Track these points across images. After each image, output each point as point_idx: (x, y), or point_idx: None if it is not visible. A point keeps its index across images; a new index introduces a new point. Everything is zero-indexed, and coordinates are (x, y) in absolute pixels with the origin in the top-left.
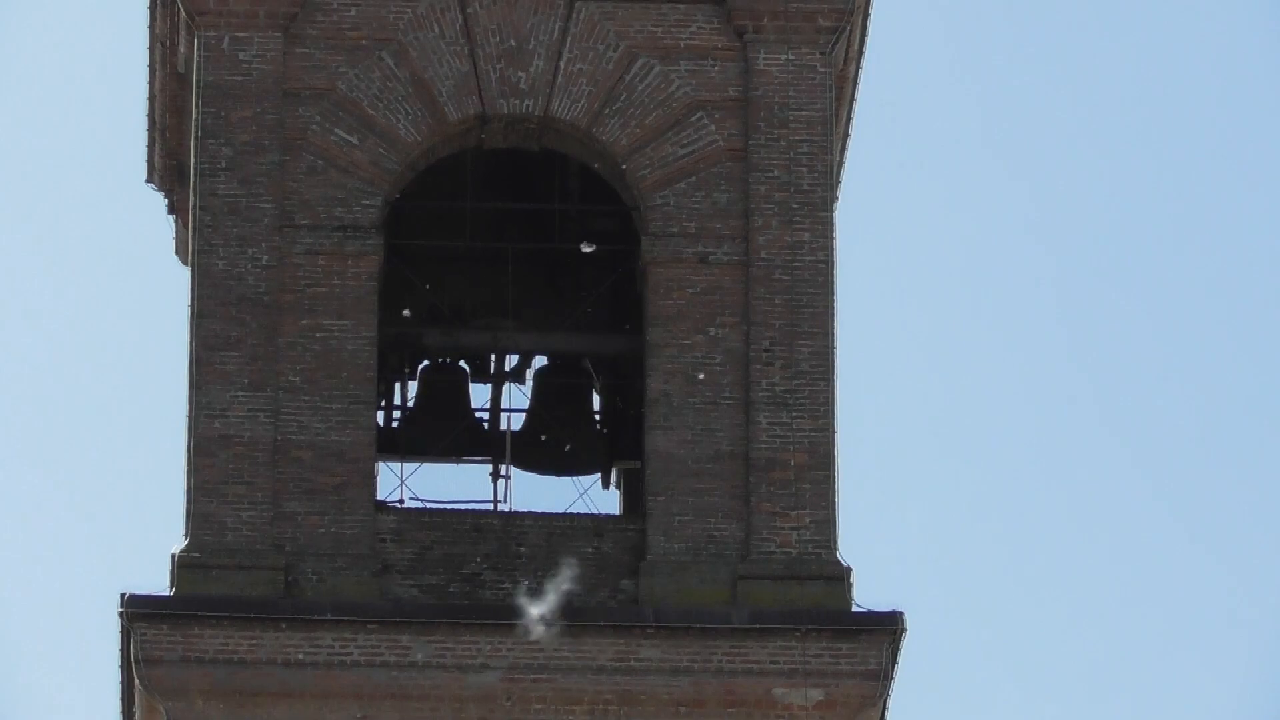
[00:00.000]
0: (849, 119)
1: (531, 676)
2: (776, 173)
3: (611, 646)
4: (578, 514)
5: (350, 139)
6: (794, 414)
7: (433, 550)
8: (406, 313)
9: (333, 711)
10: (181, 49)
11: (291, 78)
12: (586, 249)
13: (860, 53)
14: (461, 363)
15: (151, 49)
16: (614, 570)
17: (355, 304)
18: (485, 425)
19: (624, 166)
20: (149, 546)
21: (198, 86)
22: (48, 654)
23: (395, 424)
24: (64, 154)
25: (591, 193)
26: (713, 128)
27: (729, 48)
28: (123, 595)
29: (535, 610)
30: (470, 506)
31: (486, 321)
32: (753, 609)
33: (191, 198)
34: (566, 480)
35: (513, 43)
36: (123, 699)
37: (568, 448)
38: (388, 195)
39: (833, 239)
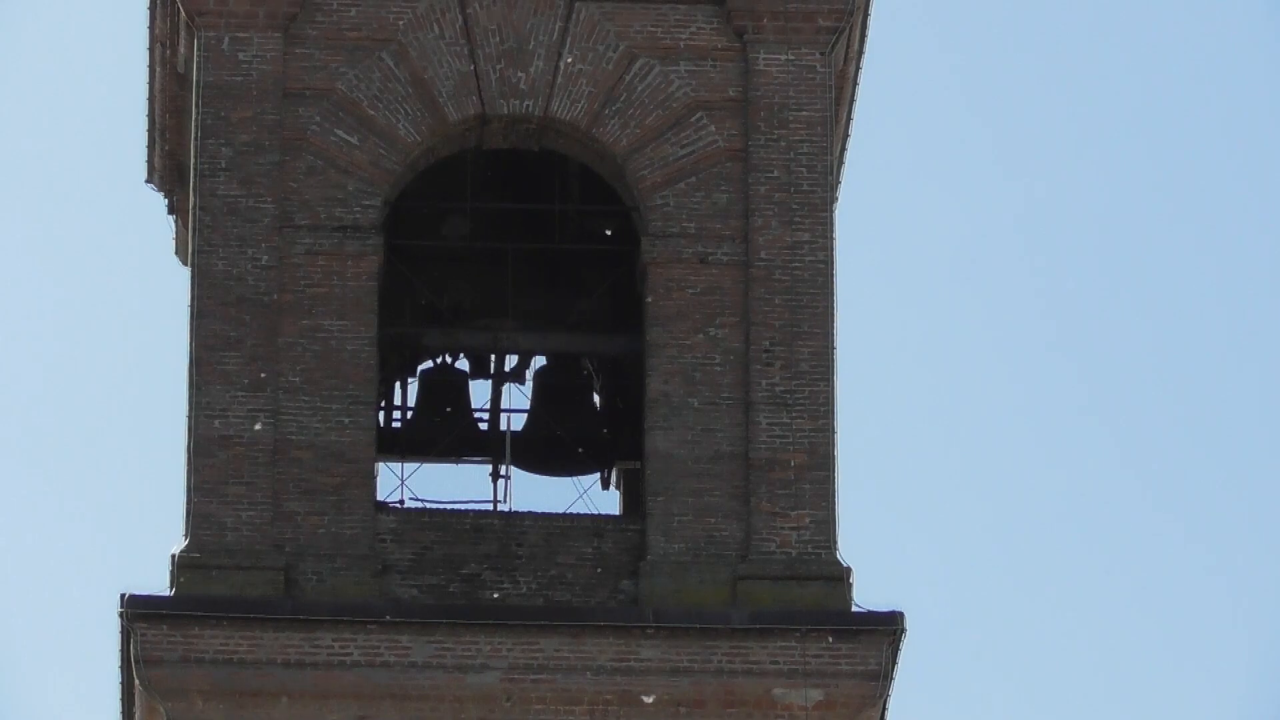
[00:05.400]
0: (849, 119)
1: (531, 677)
2: (776, 173)
3: (611, 646)
4: (578, 514)
5: (350, 139)
6: (794, 414)
7: (433, 550)
8: (411, 286)
9: (333, 711)
10: (181, 49)
11: (291, 78)
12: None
13: (860, 53)
14: (461, 363)
15: (151, 49)
16: (614, 570)
17: (355, 304)
18: (485, 425)
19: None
20: (149, 546)
21: (198, 86)
22: (48, 654)
23: (395, 424)
24: (64, 154)
25: (591, 193)
26: (713, 128)
27: (729, 48)
28: (123, 595)
29: None
30: (470, 507)
31: (486, 321)
32: (753, 609)
33: (191, 198)
34: (566, 480)
35: (513, 43)
36: (123, 699)
37: (570, 448)
38: (388, 195)
39: (833, 239)
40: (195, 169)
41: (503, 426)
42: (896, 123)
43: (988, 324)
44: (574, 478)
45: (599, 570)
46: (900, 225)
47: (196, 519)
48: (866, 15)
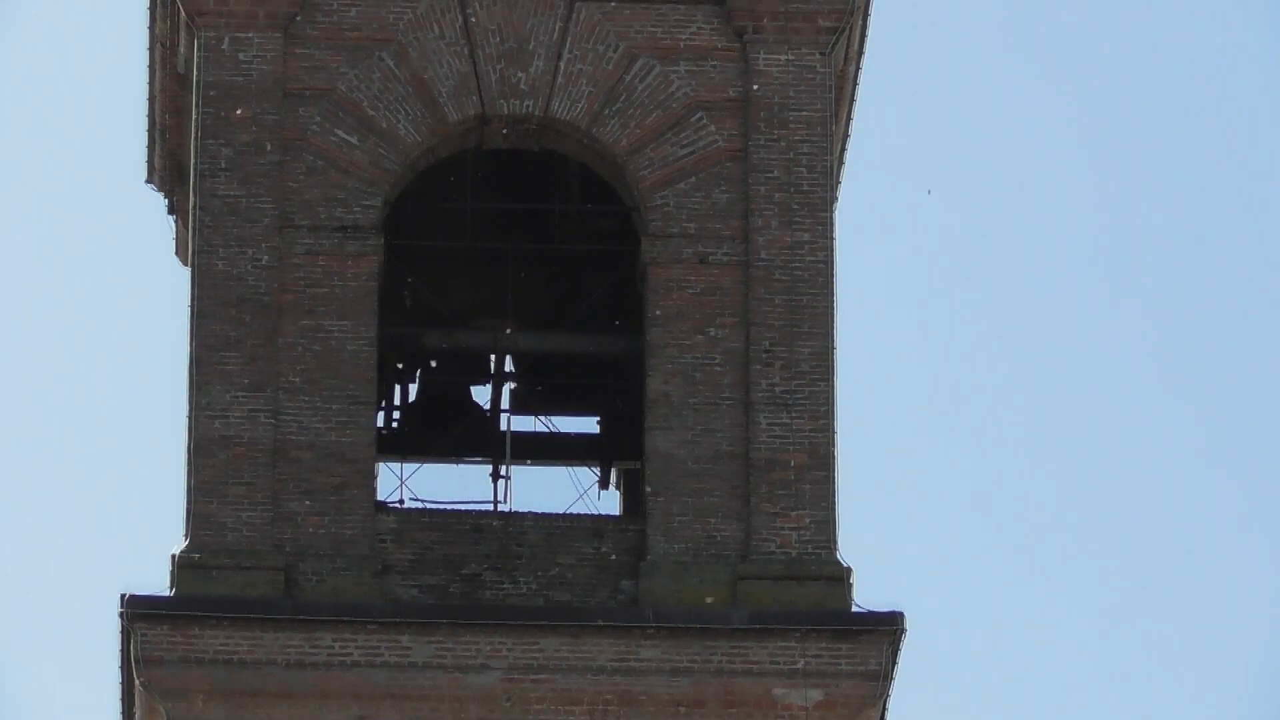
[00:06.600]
0: (849, 119)
1: (531, 677)
2: (776, 173)
3: (611, 646)
4: (578, 514)
5: (350, 139)
6: (794, 414)
7: (433, 550)
8: (409, 284)
9: (333, 711)
10: (181, 49)
11: (291, 78)
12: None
13: (860, 53)
14: (461, 363)
15: (151, 49)
16: (614, 570)
17: (355, 304)
18: (485, 425)
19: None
20: (149, 546)
21: (198, 86)
22: (48, 654)
23: (395, 424)
24: (64, 154)
25: (591, 193)
26: (713, 128)
27: (729, 48)
28: (123, 595)
29: None
30: (470, 507)
31: (486, 321)
32: (753, 609)
33: (191, 198)
34: (566, 480)
35: (513, 43)
36: (123, 699)
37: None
38: (388, 195)
39: (833, 239)
40: (195, 169)
41: (503, 426)
42: (896, 123)
43: (987, 324)
44: (574, 480)
45: (599, 570)
46: (900, 225)
47: (196, 519)
48: (866, 15)
